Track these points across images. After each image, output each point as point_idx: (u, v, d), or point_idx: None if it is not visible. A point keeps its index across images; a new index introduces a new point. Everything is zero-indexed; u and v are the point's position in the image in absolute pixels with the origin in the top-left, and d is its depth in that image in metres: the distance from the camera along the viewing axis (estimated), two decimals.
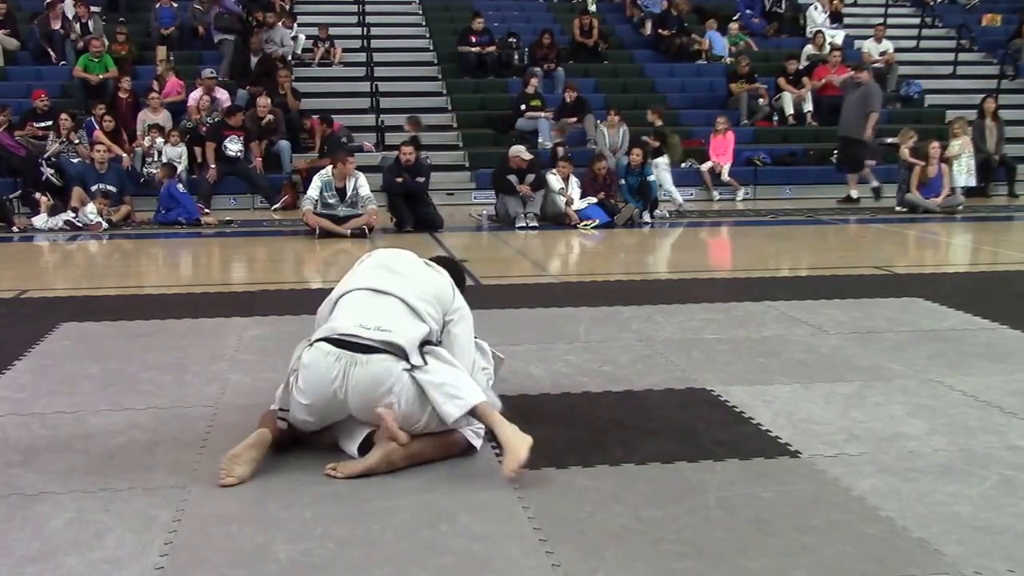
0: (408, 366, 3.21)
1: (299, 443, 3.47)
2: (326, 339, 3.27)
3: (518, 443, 3.16)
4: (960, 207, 11.74)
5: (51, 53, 14.44)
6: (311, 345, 3.29)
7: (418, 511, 2.96)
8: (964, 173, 12.23)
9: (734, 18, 16.76)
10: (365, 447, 3.30)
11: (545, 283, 7.44)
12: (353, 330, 3.25)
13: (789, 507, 3.01)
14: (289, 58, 14.59)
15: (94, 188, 10.64)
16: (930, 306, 6.04)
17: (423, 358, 3.26)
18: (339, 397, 3.23)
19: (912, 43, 17.41)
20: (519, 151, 10.87)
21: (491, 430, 3.27)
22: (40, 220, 10.32)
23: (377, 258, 3.62)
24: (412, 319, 3.34)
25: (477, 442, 3.35)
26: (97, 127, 12.08)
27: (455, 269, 3.79)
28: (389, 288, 3.39)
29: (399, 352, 3.21)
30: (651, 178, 11.03)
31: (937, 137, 12.41)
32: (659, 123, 12.85)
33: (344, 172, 9.72)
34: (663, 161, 11.85)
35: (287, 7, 15.80)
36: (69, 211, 10.30)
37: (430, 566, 2.63)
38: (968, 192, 12.33)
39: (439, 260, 3.79)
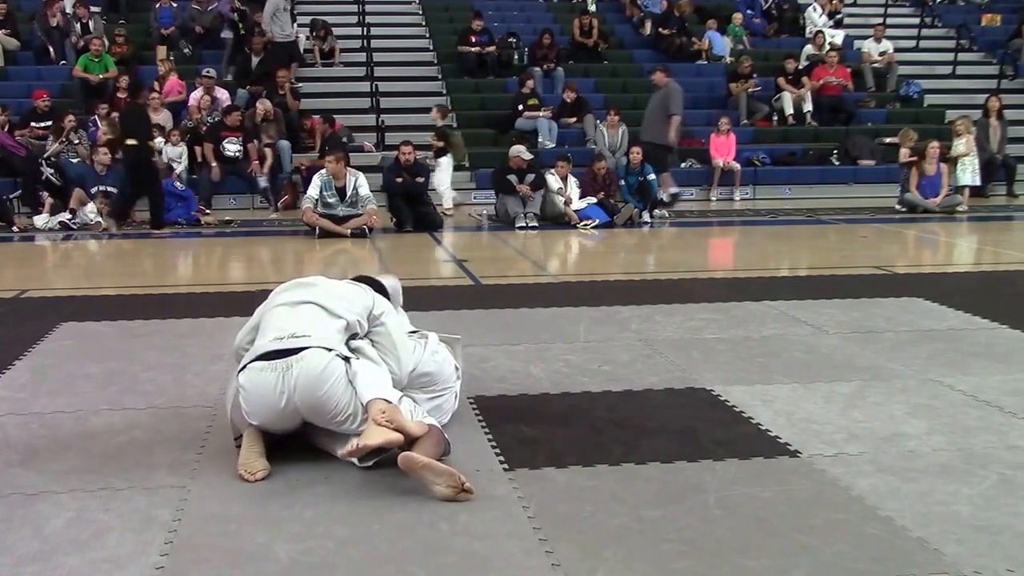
0: (337, 353, 3.32)
1: (298, 436, 3.50)
2: (256, 358, 3.35)
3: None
4: (959, 206, 11.73)
5: (51, 50, 14.42)
6: (244, 369, 3.37)
7: (418, 511, 2.96)
8: (969, 172, 12.21)
9: (735, 15, 16.73)
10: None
11: (545, 283, 7.44)
12: (272, 345, 3.35)
13: (789, 507, 3.01)
14: (294, 40, 14.55)
15: (94, 189, 10.63)
16: (930, 306, 6.04)
17: (353, 353, 3.40)
18: (290, 405, 3.27)
19: (912, 43, 17.41)
20: (519, 151, 10.87)
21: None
22: (40, 220, 10.32)
23: (291, 282, 3.74)
24: (327, 317, 3.45)
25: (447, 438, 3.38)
26: (101, 127, 12.07)
27: (373, 283, 3.84)
28: (303, 298, 3.53)
29: (322, 347, 3.32)
30: (651, 178, 11.04)
31: (937, 137, 12.40)
32: (442, 122, 12.72)
33: (334, 171, 9.70)
34: (446, 161, 11.72)
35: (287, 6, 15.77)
36: (67, 211, 10.30)
37: (430, 565, 2.63)
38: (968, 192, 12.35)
39: (356, 279, 3.89)
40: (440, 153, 11.76)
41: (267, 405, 3.28)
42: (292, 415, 3.32)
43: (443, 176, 11.62)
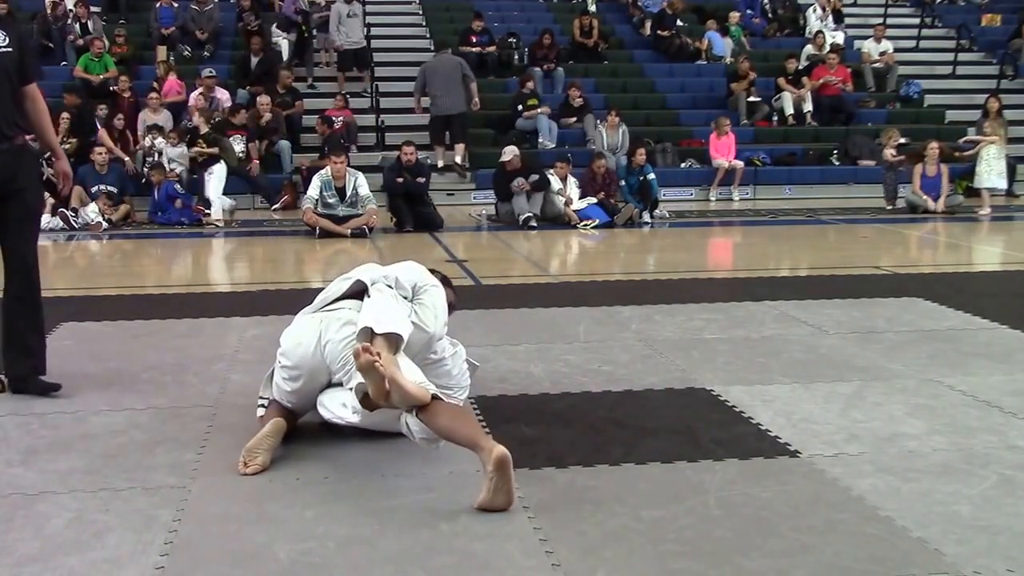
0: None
1: (299, 435, 3.54)
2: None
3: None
4: (959, 205, 11.74)
5: (50, 46, 14.40)
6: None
7: (418, 511, 2.96)
8: (995, 174, 12.18)
9: (731, 14, 16.71)
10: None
11: (545, 283, 7.44)
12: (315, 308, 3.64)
13: (789, 507, 3.01)
14: (364, 47, 14.66)
15: (95, 189, 10.64)
16: (930, 306, 6.04)
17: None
18: (319, 349, 3.41)
19: (912, 43, 17.41)
20: (512, 151, 10.86)
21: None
22: (42, 220, 10.29)
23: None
24: (360, 280, 3.60)
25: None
26: (100, 127, 12.06)
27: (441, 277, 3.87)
28: (342, 278, 3.69)
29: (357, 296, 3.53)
30: (651, 177, 11.04)
31: (937, 137, 12.40)
32: (205, 129, 12.21)
33: (335, 171, 9.70)
34: (219, 168, 11.43)
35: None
36: (69, 210, 10.29)
37: (430, 566, 2.63)
38: (968, 192, 12.33)
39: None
40: (212, 161, 11.53)
41: (303, 345, 3.44)
42: (321, 363, 3.42)
43: (217, 184, 11.32)
